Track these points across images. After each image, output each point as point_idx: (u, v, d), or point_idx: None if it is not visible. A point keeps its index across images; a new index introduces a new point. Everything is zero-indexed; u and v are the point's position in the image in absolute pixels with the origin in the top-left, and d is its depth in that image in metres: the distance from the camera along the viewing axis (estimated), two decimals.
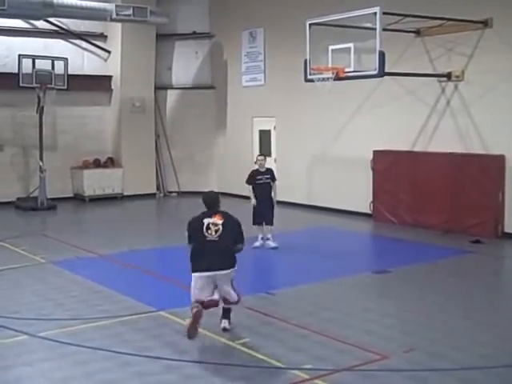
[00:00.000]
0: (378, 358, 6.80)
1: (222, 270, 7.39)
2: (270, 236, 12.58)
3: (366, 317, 8.32)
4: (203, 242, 7.45)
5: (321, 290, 9.71)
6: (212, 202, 7.73)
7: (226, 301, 7.63)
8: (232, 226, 7.60)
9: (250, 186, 12.61)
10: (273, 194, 12.65)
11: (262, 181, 12.49)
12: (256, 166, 12.77)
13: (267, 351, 7.00)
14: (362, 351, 6.98)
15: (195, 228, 7.55)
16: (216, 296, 7.51)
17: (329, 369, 6.54)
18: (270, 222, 12.57)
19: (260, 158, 12.82)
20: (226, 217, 7.62)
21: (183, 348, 7.17)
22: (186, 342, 7.32)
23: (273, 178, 12.62)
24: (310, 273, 10.71)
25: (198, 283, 7.43)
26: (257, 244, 12.44)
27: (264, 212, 12.46)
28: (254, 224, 12.49)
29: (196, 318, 7.25)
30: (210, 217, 7.52)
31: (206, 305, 7.44)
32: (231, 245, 7.55)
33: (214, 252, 7.38)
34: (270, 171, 12.67)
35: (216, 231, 7.42)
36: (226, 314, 7.79)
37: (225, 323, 7.75)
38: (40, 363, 6.82)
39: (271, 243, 12.50)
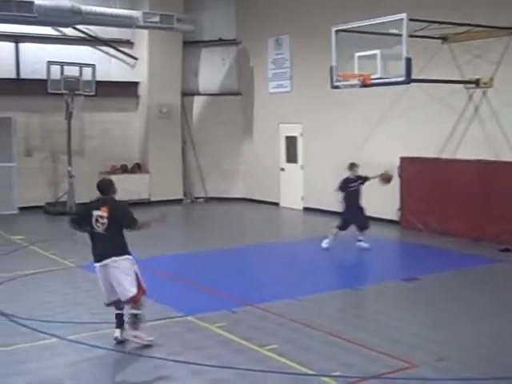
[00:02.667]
0: (407, 366, 6.76)
1: (111, 257, 7.43)
2: (361, 238, 12.75)
3: (395, 324, 8.27)
4: (93, 233, 7.56)
5: (349, 296, 9.69)
6: (103, 188, 7.72)
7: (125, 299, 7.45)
8: (119, 215, 7.57)
9: (342, 193, 12.73)
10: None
11: (354, 188, 12.64)
12: (347, 174, 12.84)
13: (295, 357, 6.99)
14: (390, 359, 6.94)
15: (84, 215, 7.67)
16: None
17: (358, 376, 6.52)
18: (365, 227, 12.76)
19: (350, 166, 12.89)
20: (112, 207, 7.58)
21: (211, 353, 7.19)
22: (214, 347, 7.36)
23: (363, 182, 12.75)
24: (337, 279, 10.71)
25: (99, 276, 7.56)
26: (325, 245, 12.65)
27: (356, 217, 12.63)
28: (341, 229, 12.61)
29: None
30: (98, 209, 7.51)
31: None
32: (119, 235, 7.59)
33: (102, 243, 7.50)
34: (361, 177, 12.75)
35: (102, 224, 7.45)
36: (120, 320, 7.60)
37: (116, 332, 7.53)
38: (69, 366, 6.90)
39: (363, 244, 12.68)
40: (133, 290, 7.39)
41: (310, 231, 16.02)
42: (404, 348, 7.30)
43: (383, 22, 12.06)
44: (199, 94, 21.37)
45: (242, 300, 9.23)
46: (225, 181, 21.00)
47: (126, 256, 7.54)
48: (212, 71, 21.34)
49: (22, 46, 18.86)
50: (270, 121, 19.72)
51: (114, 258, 7.42)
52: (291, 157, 19.29)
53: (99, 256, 7.49)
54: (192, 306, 8.95)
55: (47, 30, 18.93)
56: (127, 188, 19.60)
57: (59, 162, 19.18)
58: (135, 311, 7.42)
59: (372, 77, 12.42)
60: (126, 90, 20.41)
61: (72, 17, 17.36)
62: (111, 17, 18.08)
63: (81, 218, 7.74)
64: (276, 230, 16.50)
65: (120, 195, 21.18)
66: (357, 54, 12.66)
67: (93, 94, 18.40)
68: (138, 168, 20.43)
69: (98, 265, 7.52)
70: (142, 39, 20.28)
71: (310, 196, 18.50)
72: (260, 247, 13.49)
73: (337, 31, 13.07)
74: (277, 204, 19.52)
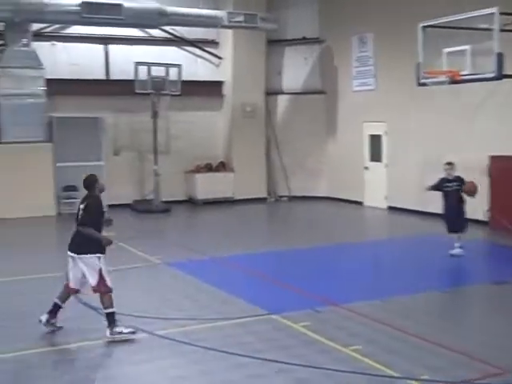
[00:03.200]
0: (497, 372, 6.54)
1: (73, 252, 7.80)
2: (457, 244, 12.08)
3: (484, 328, 8.05)
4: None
5: (436, 298, 9.47)
6: (87, 185, 7.97)
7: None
8: (86, 210, 7.81)
9: (440, 193, 12.31)
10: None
11: (450, 188, 12.13)
12: (443, 175, 12.35)
13: (380, 359, 6.90)
14: (480, 364, 6.75)
15: (77, 209, 8.04)
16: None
17: (446, 381, 6.37)
18: (460, 229, 12.15)
19: (446, 166, 12.33)
20: (88, 201, 7.87)
21: (295, 352, 7.19)
22: (298, 346, 7.36)
23: (460, 186, 12.09)
24: (424, 281, 10.47)
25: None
26: (453, 252, 11.97)
27: (452, 219, 12.12)
28: (449, 232, 12.21)
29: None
30: (82, 203, 7.93)
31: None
32: (83, 230, 7.77)
33: (73, 235, 7.92)
34: (458, 179, 12.16)
35: (79, 216, 7.84)
36: (55, 308, 7.96)
37: (43, 316, 7.94)
38: (158, 360, 7.05)
39: (456, 251, 12.04)
40: (94, 283, 7.75)
41: (395, 231, 15.78)
42: (494, 353, 7.08)
43: (473, 17, 11.73)
44: (283, 93, 21.40)
45: (327, 299, 9.18)
46: (308, 179, 20.94)
47: (90, 255, 7.77)
48: (295, 70, 21.32)
49: (111, 47, 19.44)
50: (354, 119, 19.54)
51: (80, 256, 7.77)
52: (375, 155, 19.05)
53: (70, 246, 7.94)
54: (276, 305, 8.96)
55: (135, 32, 19.42)
56: (211, 187, 19.96)
57: (146, 160, 19.63)
58: (109, 310, 7.72)
59: (461, 73, 12.09)
60: (210, 90, 20.66)
61: (159, 18, 17.77)
62: (196, 17, 18.39)
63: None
64: (360, 230, 16.34)
65: (204, 194, 21.69)
66: (445, 50, 12.37)
67: (178, 93, 18.72)
68: (222, 167, 20.66)
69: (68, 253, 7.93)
70: (227, 39, 20.49)
71: (394, 195, 18.21)
72: (344, 246, 13.38)
73: (424, 27, 12.79)
74: (360, 203, 19.33)
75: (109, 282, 7.81)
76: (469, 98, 15.17)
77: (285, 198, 21.14)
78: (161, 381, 6.63)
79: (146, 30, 19.55)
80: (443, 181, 12.27)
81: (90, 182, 7.98)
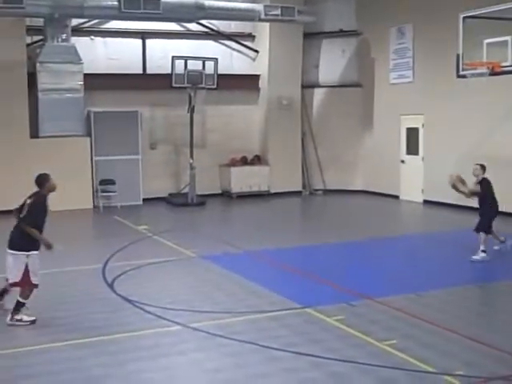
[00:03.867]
0: None
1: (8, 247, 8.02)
2: (482, 246, 11.52)
3: None
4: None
5: (472, 293, 9.35)
6: (39, 181, 8.29)
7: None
8: (30, 207, 8.02)
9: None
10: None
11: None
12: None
13: (416, 354, 6.83)
14: None
15: (23, 202, 8.19)
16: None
17: (482, 376, 6.28)
18: (477, 229, 11.67)
19: (473, 167, 11.90)
20: (34, 199, 8.12)
21: (329, 346, 7.17)
22: (332, 340, 7.32)
23: (482, 189, 11.63)
24: (460, 275, 10.34)
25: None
26: (482, 257, 11.37)
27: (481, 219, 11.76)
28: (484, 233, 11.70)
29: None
30: (30, 197, 8.14)
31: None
32: (23, 226, 7.97)
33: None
34: (483, 181, 11.66)
35: (25, 212, 8.02)
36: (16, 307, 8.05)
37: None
38: (192, 353, 7.09)
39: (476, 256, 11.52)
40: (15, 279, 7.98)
41: (431, 225, 15.60)
42: None
43: None
44: (319, 86, 21.27)
45: (361, 293, 9.12)
46: (344, 173, 20.82)
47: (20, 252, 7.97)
48: (332, 63, 21.18)
49: (148, 41, 19.54)
50: (391, 112, 19.34)
51: (11, 251, 7.99)
52: (412, 149, 18.83)
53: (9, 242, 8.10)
54: (310, 299, 8.94)
55: (172, 26, 19.49)
56: (246, 180, 19.97)
57: (181, 154, 19.72)
58: (21, 300, 8.02)
59: (502, 64, 11.86)
60: (246, 83, 20.64)
61: (196, 12, 17.80)
62: (233, 11, 18.37)
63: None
64: (395, 224, 16.18)
65: (239, 187, 21.73)
66: (486, 41, 12.12)
67: (214, 87, 18.75)
68: (257, 160, 20.65)
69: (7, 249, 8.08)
70: (263, 32, 20.43)
71: (430, 189, 17.99)
72: (379, 240, 13.27)
73: (464, 18, 12.57)
74: (397, 197, 19.14)
75: (34, 279, 8.04)
76: (509, 90, 14.91)
77: (320, 192, 21.04)
78: (196, 373, 6.66)
79: (183, 23, 19.61)
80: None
81: (42, 180, 8.32)
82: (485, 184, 11.77)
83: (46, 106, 17.35)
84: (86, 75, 17.60)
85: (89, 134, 18.05)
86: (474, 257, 11.29)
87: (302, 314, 8.37)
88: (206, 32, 20.10)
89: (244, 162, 20.43)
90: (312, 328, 7.81)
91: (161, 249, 12.45)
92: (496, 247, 11.91)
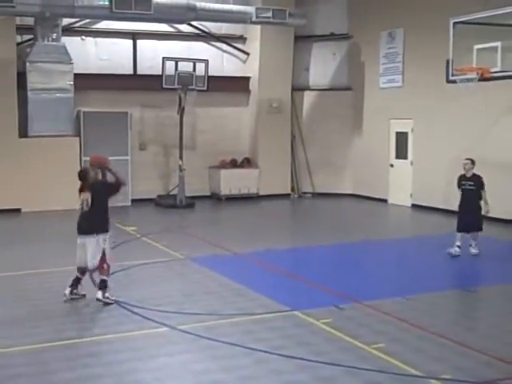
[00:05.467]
0: None
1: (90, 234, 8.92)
2: (472, 242, 11.93)
3: (509, 328, 7.94)
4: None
5: (460, 297, 9.37)
6: (80, 176, 9.09)
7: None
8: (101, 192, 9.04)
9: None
10: (482, 203, 11.90)
11: (464, 187, 11.92)
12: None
13: (403, 358, 6.84)
14: (505, 365, 6.67)
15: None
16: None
17: (470, 381, 6.30)
18: (476, 229, 11.89)
19: (464, 161, 12.08)
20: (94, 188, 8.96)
21: (317, 349, 7.17)
22: (320, 343, 7.32)
23: (479, 186, 11.81)
24: (448, 279, 10.38)
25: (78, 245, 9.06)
26: (452, 251, 11.79)
27: (466, 220, 11.87)
28: (457, 231, 11.97)
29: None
30: (82, 191, 9.00)
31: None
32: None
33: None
34: (475, 178, 11.86)
35: (87, 205, 8.89)
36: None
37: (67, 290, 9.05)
38: (180, 355, 7.07)
39: (472, 250, 11.89)
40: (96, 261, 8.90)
41: (420, 229, 15.64)
42: None
43: (504, 13, 11.56)
44: (309, 89, 21.30)
45: (350, 297, 9.13)
46: (333, 176, 20.85)
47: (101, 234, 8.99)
48: (323, 66, 21.22)
49: (139, 42, 19.49)
50: (381, 116, 19.40)
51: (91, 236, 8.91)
52: (401, 153, 18.90)
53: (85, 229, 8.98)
54: (298, 301, 8.95)
55: (163, 27, 19.46)
56: (236, 182, 19.96)
57: (171, 155, 19.68)
58: (105, 277, 8.96)
59: (491, 70, 11.93)
60: (237, 85, 20.63)
61: (187, 13, 17.76)
62: (225, 13, 18.36)
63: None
64: (384, 227, 16.23)
65: (229, 189, 21.68)
66: (476, 47, 12.21)
67: (205, 89, 18.72)
68: (247, 162, 20.63)
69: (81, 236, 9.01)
70: (254, 34, 20.43)
71: (419, 193, 18.06)
72: (368, 244, 13.29)
73: (455, 23, 12.64)
74: (385, 200, 19.20)
75: (109, 259, 9.10)
76: (498, 95, 14.99)
77: (308, 195, 21.07)
78: (183, 375, 6.64)
79: (174, 25, 19.58)
80: (461, 178, 12.07)
81: (81, 176, 9.12)
82: (477, 179, 11.87)
83: (35, 106, 17.27)
84: (76, 75, 17.53)
85: (78, 134, 17.98)
86: (474, 250, 11.73)
87: (290, 316, 8.36)
88: (197, 33, 20.08)
89: (233, 164, 20.41)
90: (300, 331, 7.81)
91: (149, 250, 12.41)
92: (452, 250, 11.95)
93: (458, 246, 11.86)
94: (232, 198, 19.77)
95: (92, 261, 8.87)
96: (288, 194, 20.83)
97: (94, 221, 8.93)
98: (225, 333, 7.70)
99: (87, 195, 8.85)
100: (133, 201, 18.63)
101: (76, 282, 9.03)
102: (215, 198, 20.10)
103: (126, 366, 6.77)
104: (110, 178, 9.20)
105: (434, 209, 17.01)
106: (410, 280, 10.48)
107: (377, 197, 19.51)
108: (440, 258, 12.01)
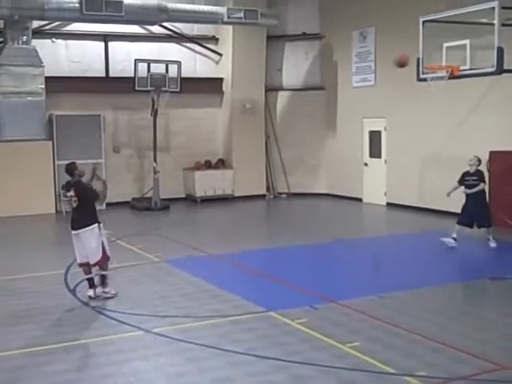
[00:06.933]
0: (495, 368, 6.53)
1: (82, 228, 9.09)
2: (490, 237, 12.49)
3: (481, 325, 8.03)
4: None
5: (433, 294, 9.43)
6: (68, 171, 9.32)
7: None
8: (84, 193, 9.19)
9: (462, 187, 12.59)
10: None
11: (468, 182, 12.43)
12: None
13: (378, 356, 6.88)
14: (477, 360, 6.73)
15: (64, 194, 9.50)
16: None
17: (443, 377, 6.35)
18: (485, 224, 12.50)
19: (471, 158, 12.63)
20: (78, 188, 9.15)
21: (292, 349, 7.18)
22: (295, 343, 7.34)
23: (480, 180, 12.39)
24: (421, 276, 10.44)
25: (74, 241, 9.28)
26: (445, 240, 12.33)
27: (472, 214, 12.38)
28: (458, 223, 12.41)
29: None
30: (68, 190, 9.21)
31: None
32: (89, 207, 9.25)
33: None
34: (478, 173, 12.45)
35: (74, 202, 9.14)
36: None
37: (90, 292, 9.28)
38: (155, 358, 7.03)
39: (491, 244, 12.42)
40: (98, 256, 9.10)
41: (394, 227, 15.74)
42: (491, 349, 7.05)
43: (473, 11, 11.69)
44: (283, 89, 21.34)
45: (324, 296, 9.16)
46: (308, 176, 20.92)
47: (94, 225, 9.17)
48: (295, 66, 21.27)
49: (110, 44, 19.37)
50: (354, 115, 19.49)
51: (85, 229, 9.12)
52: (375, 152, 19.01)
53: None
54: (274, 302, 8.94)
55: (134, 29, 19.37)
56: (210, 184, 19.93)
57: (145, 158, 19.62)
58: (104, 272, 9.27)
59: (461, 68, 12.05)
60: (210, 87, 20.60)
61: (159, 14, 17.71)
62: (196, 13, 18.33)
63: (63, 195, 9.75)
64: (358, 226, 16.31)
65: (204, 191, 21.64)
66: (445, 45, 12.33)
67: (178, 90, 18.67)
68: (221, 164, 20.62)
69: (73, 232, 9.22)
70: (227, 35, 20.41)
71: (393, 191, 18.18)
72: (343, 243, 13.35)
73: (424, 22, 12.74)
74: (360, 199, 19.29)
75: (108, 252, 9.35)
76: (469, 93, 15.15)
77: (284, 195, 21.11)
78: (158, 378, 6.60)
79: (146, 26, 19.50)
80: (464, 174, 12.53)
81: (69, 170, 9.33)
82: (480, 174, 12.43)
83: (6, 110, 17.06)
84: (47, 78, 17.34)
85: (51, 138, 17.83)
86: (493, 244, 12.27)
87: (265, 317, 8.36)
88: (169, 35, 20.02)
89: (208, 165, 20.38)
90: (275, 331, 7.81)
91: (124, 253, 12.32)
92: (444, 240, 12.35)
93: (454, 238, 12.24)
94: (207, 200, 19.74)
95: (94, 256, 9.11)
96: (263, 195, 20.85)
97: (84, 214, 9.18)
98: (200, 335, 7.67)
99: (73, 193, 9.13)
100: (107, 204, 18.46)
101: (92, 281, 9.25)
102: (190, 199, 20.06)
103: (101, 370, 6.73)
104: (96, 185, 9.52)
105: (408, 207, 17.15)
106: (385, 278, 10.56)
107: (352, 196, 19.61)
108: (414, 256, 12.12)
